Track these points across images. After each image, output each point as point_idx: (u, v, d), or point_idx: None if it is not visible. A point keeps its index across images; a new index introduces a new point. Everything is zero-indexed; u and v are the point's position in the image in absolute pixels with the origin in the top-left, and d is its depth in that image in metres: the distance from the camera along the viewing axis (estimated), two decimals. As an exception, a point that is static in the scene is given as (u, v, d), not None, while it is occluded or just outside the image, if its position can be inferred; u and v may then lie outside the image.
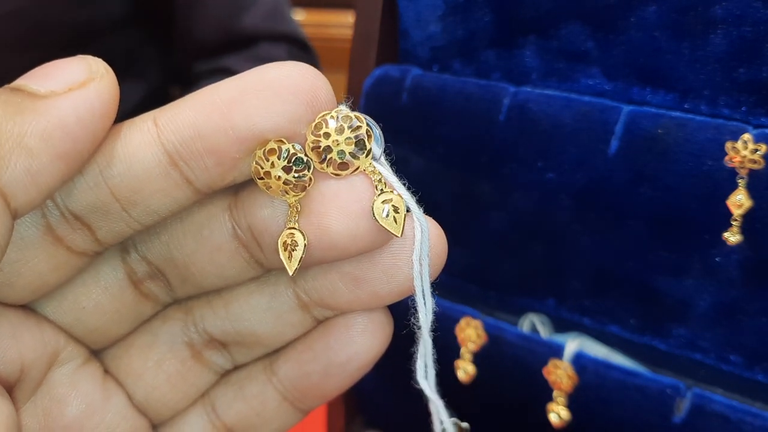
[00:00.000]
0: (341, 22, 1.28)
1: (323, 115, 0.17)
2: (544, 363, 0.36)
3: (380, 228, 0.18)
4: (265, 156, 0.17)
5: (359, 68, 0.41)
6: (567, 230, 0.36)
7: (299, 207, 0.18)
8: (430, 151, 0.39)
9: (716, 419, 0.32)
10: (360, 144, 0.18)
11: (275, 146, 0.17)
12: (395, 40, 0.41)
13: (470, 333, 0.37)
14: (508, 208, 0.37)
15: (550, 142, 0.35)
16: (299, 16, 1.35)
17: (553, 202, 0.36)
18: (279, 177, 0.17)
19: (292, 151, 0.17)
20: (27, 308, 0.18)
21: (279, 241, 0.18)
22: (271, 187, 0.17)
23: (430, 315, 0.19)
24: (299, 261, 0.18)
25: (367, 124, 0.18)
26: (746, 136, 0.30)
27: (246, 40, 0.68)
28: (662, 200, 0.33)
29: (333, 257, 0.18)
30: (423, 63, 0.41)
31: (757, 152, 0.30)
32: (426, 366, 0.20)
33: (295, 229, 0.18)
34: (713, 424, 0.32)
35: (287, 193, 0.17)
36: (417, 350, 0.20)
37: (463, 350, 0.37)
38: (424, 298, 0.19)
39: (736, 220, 0.31)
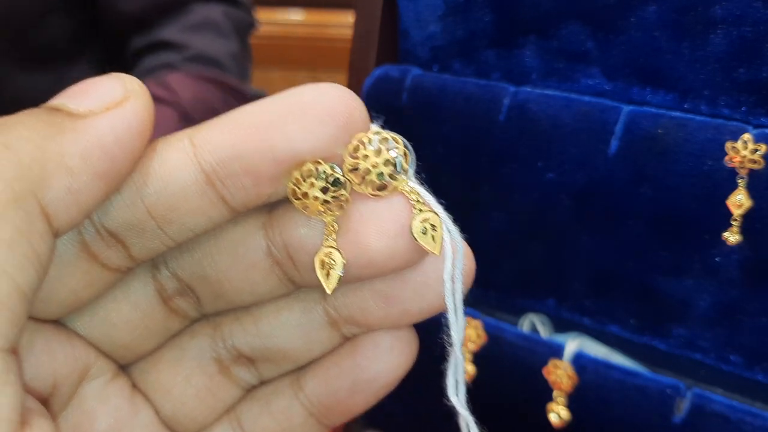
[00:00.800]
0: (341, 22, 1.28)
1: (360, 137, 0.17)
2: (544, 363, 0.36)
3: (418, 246, 0.18)
4: (302, 177, 0.17)
5: (359, 68, 0.41)
6: (567, 230, 0.36)
7: (336, 226, 0.18)
8: (430, 151, 0.39)
9: (716, 419, 0.32)
10: (398, 165, 0.18)
11: (313, 167, 0.17)
12: (395, 40, 0.41)
13: (470, 333, 0.37)
14: (508, 208, 0.37)
15: (550, 142, 0.35)
16: (299, 16, 1.36)
17: (553, 202, 0.36)
18: (317, 197, 0.17)
19: (329, 172, 0.17)
20: (58, 323, 0.19)
21: (316, 259, 0.18)
22: (308, 208, 0.18)
23: (462, 332, 0.20)
24: (338, 280, 0.18)
25: (404, 145, 0.18)
26: (746, 136, 0.30)
27: (176, 5, 0.65)
28: (662, 200, 0.33)
29: (369, 275, 0.18)
30: (423, 63, 0.41)
31: (757, 152, 0.30)
32: (457, 383, 0.20)
33: (333, 247, 0.18)
34: (713, 424, 0.32)
35: (324, 213, 0.18)
36: (448, 366, 0.20)
37: (462, 350, 0.38)
38: (456, 316, 0.19)
39: (736, 220, 0.31)
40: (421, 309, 0.19)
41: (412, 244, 0.18)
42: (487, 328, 0.38)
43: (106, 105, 0.16)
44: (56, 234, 0.16)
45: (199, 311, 0.20)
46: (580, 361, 0.35)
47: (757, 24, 0.31)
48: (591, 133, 0.34)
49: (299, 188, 0.17)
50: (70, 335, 0.19)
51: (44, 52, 0.64)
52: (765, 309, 0.32)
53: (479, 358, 0.38)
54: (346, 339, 0.21)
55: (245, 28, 0.70)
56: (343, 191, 0.18)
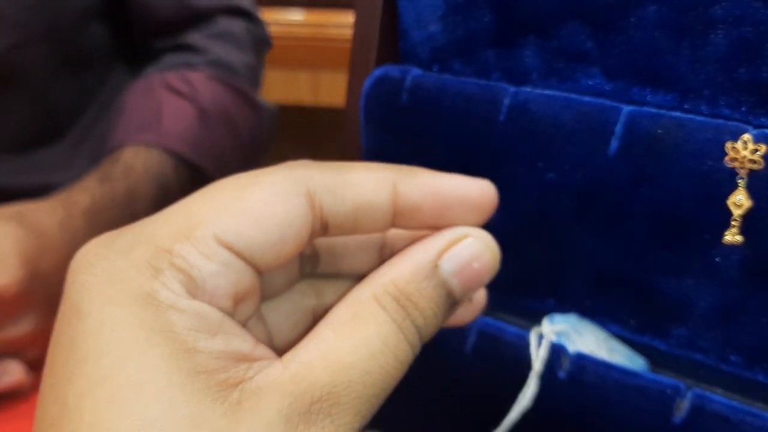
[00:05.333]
0: (341, 22, 1.28)
1: None
2: (545, 361, 0.36)
3: None
4: None
5: (359, 68, 0.41)
6: (567, 230, 0.36)
7: None
8: (430, 152, 0.39)
9: (716, 419, 0.32)
10: None
11: None
12: (395, 41, 0.41)
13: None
14: (508, 208, 0.37)
15: (550, 142, 0.35)
16: (299, 16, 1.35)
17: (553, 202, 0.36)
18: None
19: None
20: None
21: None
22: None
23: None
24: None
25: None
26: (746, 137, 0.30)
27: (202, 16, 0.69)
28: (662, 200, 0.33)
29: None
30: (423, 63, 0.41)
31: (757, 152, 0.30)
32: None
33: None
34: (713, 425, 0.32)
35: None
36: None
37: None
38: None
39: (736, 220, 0.31)
40: (464, 319, 0.25)
41: None
42: (487, 328, 0.38)
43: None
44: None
45: (313, 271, 0.25)
46: (580, 362, 0.35)
47: (758, 24, 0.31)
48: (591, 133, 0.34)
49: None
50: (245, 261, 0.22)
51: (84, 57, 0.66)
52: (765, 309, 0.32)
53: (479, 358, 0.38)
54: None
55: (261, 44, 0.75)
56: None
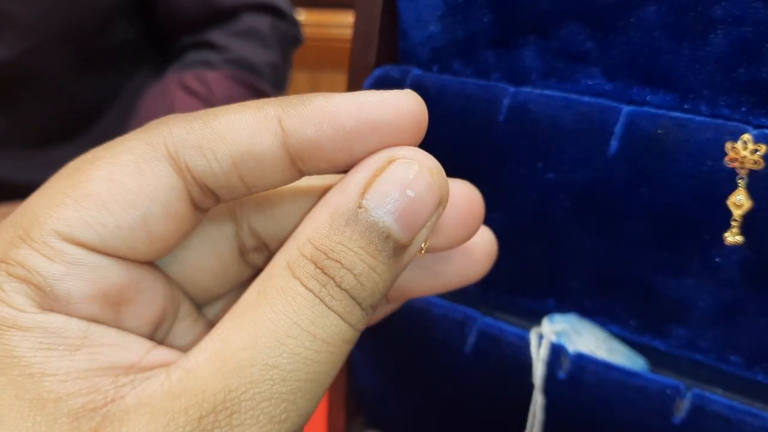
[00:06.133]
0: (341, 22, 1.28)
1: None
2: (545, 362, 0.36)
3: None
4: None
5: (359, 69, 0.41)
6: (567, 230, 0.36)
7: None
8: (429, 152, 0.39)
9: (716, 420, 0.32)
10: None
11: None
12: (395, 41, 0.41)
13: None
14: (508, 209, 0.37)
15: (549, 142, 0.35)
16: (299, 16, 1.36)
17: (552, 202, 0.36)
18: None
19: None
20: (155, 265, 0.19)
21: None
22: None
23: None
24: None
25: None
26: (746, 137, 0.30)
27: (227, 13, 0.69)
28: (662, 200, 0.33)
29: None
30: (423, 63, 0.41)
31: (757, 152, 0.30)
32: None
33: None
34: (713, 425, 0.32)
35: None
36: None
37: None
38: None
39: (735, 220, 0.31)
40: (460, 282, 0.22)
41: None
42: (487, 329, 0.38)
43: (424, 226, 0.18)
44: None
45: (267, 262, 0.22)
46: (580, 362, 0.35)
47: (758, 24, 0.31)
48: (591, 134, 0.34)
49: None
50: (165, 277, 0.20)
51: (106, 57, 0.66)
52: (765, 309, 0.32)
53: (479, 357, 0.38)
54: (388, 302, 0.23)
55: (289, 41, 0.74)
56: None
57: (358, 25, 0.41)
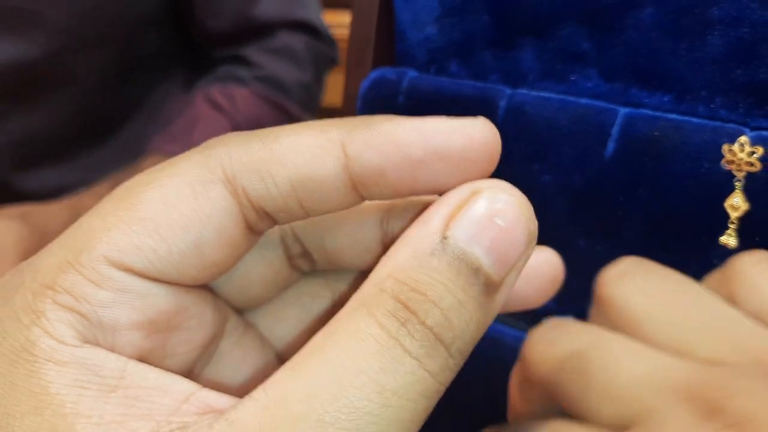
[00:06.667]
0: (340, 22, 1.28)
1: None
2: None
3: None
4: None
5: (356, 70, 0.41)
6: (564, 232, 0.36)
7: None
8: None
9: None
10: None
11: None
12: (392, 42, 0.41)
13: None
14: (505, 211, 0.37)
15: (546, 144, 0.35)
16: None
17: (549, 204, 0.36)
18: None
19: None
20: (205, 288, 0.19)
21: None
22: None
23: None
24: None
25: None
26: (743, 139, 0.30)
27: (263, 29, 0.69)
28: (659, 202, 0.33)
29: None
30: (420, 65, 0.41)
31: (754, 155, 0.30)
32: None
33: None
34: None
35: None
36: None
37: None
38: None
39: (732, 222, 0.31)
40: (517, 307, 0.21)
41: None
42: (487, 330, 0.38)
43: (516, 263, 0.16)
44: None
45: (312, 268, 0.21)
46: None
47: (755, 25, 0.31)
48: (587, 136, 0.34)
49: None
50: (214, 296, 0.19)
51: (136, 65, 0.66)
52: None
53: (479, 357, 0.38)
54: None
55: (324, 61, 0.74)
56: None
57: (355, 27, 0.41)
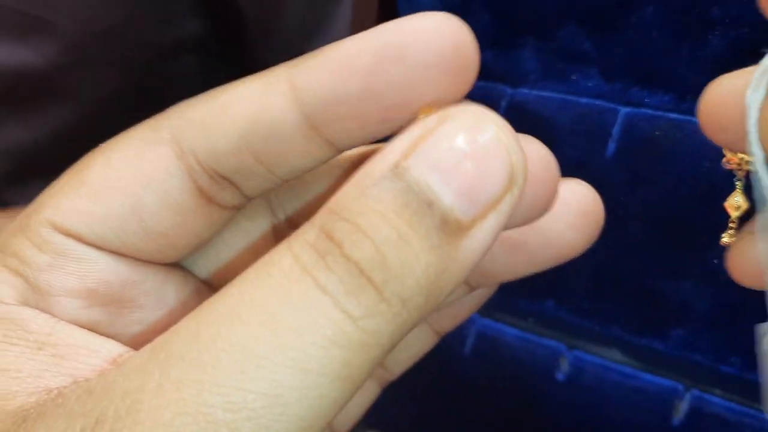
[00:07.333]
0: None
1: None
2: (544, 363, 0.36)
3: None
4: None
5: (357, 70, 0.41)
6: (565, 232, 0.36)
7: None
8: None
9: (715, 421, 0.32)
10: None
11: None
12: (393, 42, 0.41)
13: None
14: (506, 210, 0.37)
15: (547, 143, 0.35)
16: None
17: (551, 203, 0.36)
18: None
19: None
20: (180, 266, 0.17)
21: None
22: None
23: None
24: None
25: None
26: (744, 138, 0.30)
27: None
28: (660, 202, 0.33)
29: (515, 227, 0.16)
30: (421, 64, 0.41)
31: (755, 154, 0.30)
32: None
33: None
34: (712, 426, 0.32)
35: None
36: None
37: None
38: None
39: (733, 222, 0.31)
40: (546, 258, 0.19)
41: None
42: (486, 330, 0.38)
43: (489, 204, 0.12)
44: None
45: None
46: (579, 363, 0.35)
47: (755, 25, 0.31)
48: (588, 135, 0.34)
49: None
50: (191, 279, 0.18)
51: (156, 91, 0.66)
52: (763, 310, 0.32)
53: (479, 357, 0.38)
54: (472, 289, 0.19)
55: None
56: None
57: (356, 25, 0.41)
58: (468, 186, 0.12)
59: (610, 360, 0.36)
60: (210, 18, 0.65)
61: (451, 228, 0.12)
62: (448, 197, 0.12)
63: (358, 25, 0.41)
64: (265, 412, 0.11)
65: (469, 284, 0.19)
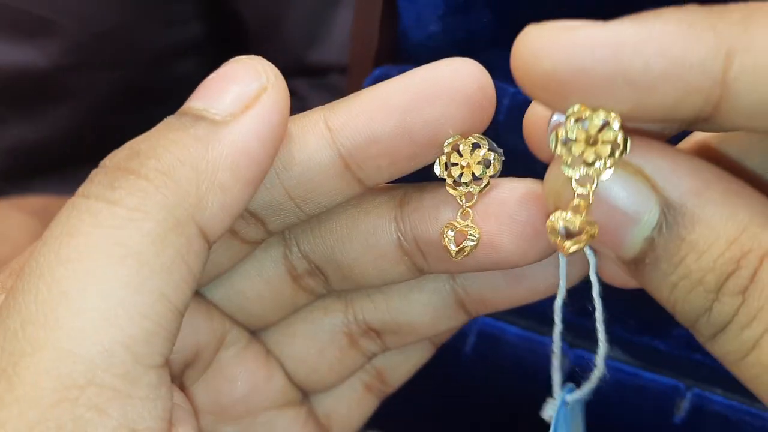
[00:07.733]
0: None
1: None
2: (544, 363, 0.36)
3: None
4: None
5: (359, 69, 0.41)
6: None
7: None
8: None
9: (716, 419, 0.32)
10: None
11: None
12: (395, 41, 0.41)
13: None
14: (507, 209, 0.37)
15: (549, 142, 0.35)
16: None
17: (552, 202, 0.36)
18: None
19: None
20: (198, 294, 0.19)
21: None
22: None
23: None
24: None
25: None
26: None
27: (316, 71, 0.69)
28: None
29: (495, 268, 0.19)
30: (423, 63, 0.41)
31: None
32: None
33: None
34: (713, 425, 0.32)
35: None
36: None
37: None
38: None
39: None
40: (548, 286, 0.21)
41: (545, 245, 0.18)
42: (487, 329, 0.38)
43: (245, 103, 0.15)
44: (210, 245, 0.16)
45: (327, 288, 0.20)
46: (580, 362, 0.35)
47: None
48: (590, 134, 0.34)
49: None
50: (208, 306, 0.19)
51: (158, 92, 0.66)
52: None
53: (478, 358, 0.38)
54: (471, 316, 0.21)
55: None
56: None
57: (357, 24, 0.41)
58: (214, 94, 0.16)
59: (611, 359, 0.36)
60: (212, 23, 0.65)
61: (209, 123, 0.15)
62: (198, 104, 0.16)
63: (359, 33, 0.41)
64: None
65: (469, 312, 0.21)
